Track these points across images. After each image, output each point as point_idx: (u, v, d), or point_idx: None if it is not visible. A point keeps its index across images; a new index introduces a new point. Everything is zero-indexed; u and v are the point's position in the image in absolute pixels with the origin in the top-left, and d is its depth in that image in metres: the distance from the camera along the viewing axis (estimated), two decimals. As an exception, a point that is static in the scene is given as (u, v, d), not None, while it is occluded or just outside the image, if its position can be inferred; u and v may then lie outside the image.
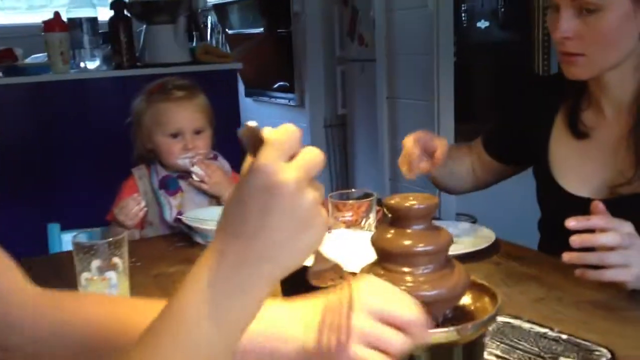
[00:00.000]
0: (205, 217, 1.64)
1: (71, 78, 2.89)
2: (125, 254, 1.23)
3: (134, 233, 1.84)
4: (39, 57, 3.10)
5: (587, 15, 1.30)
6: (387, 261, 0.81)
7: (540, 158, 1.51)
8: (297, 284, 0.70)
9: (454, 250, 1.32)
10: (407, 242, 0.80)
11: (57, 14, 2.86)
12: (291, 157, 0.60)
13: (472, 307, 0.85)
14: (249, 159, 0.60)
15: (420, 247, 0.79)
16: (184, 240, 1.68)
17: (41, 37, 2.86)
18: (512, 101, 1.68)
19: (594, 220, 1.10)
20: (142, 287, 1.34)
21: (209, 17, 4.59)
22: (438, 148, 1.47)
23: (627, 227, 1.10)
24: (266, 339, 0.73)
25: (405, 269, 0.79)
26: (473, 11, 3.38)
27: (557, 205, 1.47)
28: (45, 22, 2.84)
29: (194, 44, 3.60)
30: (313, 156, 0.61)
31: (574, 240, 1.07)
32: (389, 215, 0.83)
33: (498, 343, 1.00)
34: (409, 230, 0.80)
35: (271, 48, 4.22)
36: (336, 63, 3.82)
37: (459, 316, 0.83)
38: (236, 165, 1.59)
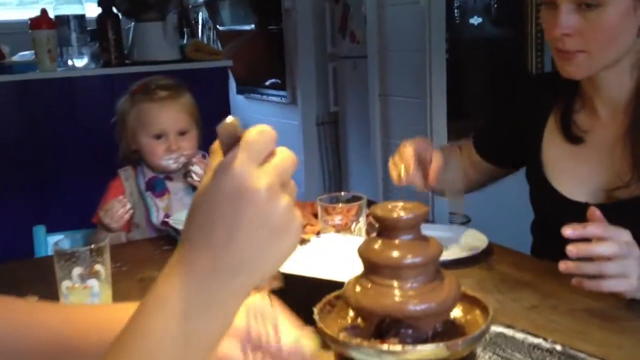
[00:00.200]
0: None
1: (59, 76, 2.85)
2: (107, 261, 1.20)
3: (120, 236, 1.81)
4: (26, 55, 3.06)
5: (587, 10, 1.26)
6: (374, 273, 0.78)
7: (533, 159, 1.48)
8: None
9: (445, 255, 1.30)
10: (395, 254, 0.77)
11: (44, 11, 2.82)
12: (264, 159, 0.56)
13: (463, 320, 0.82)
14: (216, 158, 0.56)
15: (409, 259, 0.76)
16: (170, 244, 1.64)
17: (29, 35, 2.82)
18: (504, 100, 1.65)
19: (590, 229, 1.07)
20: (126, 292, 1.31)
21: (200, 14, 4.56)
22: (433, 162, 1.43)
23: (625, 235, 1.07)
24: None
25: (394, 283, 0.76)
26: (466, 7, 3.35)
27: (551, 207, 1.44)
28: (32, 20, 2.81)
29: (185, 40, 3.57)
30: (286, 158, 0.57)
31: (571, 250, 1.04)
32: (376, 226, 0.80)
33: (491, 354, 0.97)
34: (396, 241, 0.77)
35: (262, 45, 4.20)
36: (328, 60, 3.79)
37: (450, 330, 0.80)
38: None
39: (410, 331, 0.77)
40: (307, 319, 0.78)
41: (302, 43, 3.81)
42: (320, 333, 0.77)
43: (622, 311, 1.12)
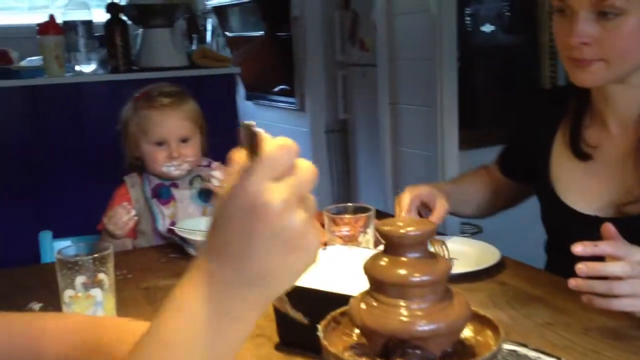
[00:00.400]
0: (198, 228, 1.58)
1: (66, 82, 2.85)
2: (111, 270, 1.18)
3: (127, 243, 1.80)
4: (34, 60, 3.05)
5: (606, 19, 1.22)
6: (380, 292, 0.75)
7: (542, 174, 1.45)
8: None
9: (456, 269, 1.27)
10: (402, 272, 0.73)
11: (51, 17, 2.81)
12: (283, 173, 0.57)
13: (474, 341, 0.79)
14: (235, 165, 0.57)
15: (416, 278, 0.73)
16: (177, 252, 1.62)
17: (37, 40, 2.81)
18: (518, 116, 1.63)
19: (602, 247, 1.04)
20: (131, 300, 1.30)
21: (209, 20, 4.55)
22: (437, 209, 1.42)
23: (638, 254, 1.04)
24: None
25: (401, 302, 0.73)
26: (477, 15, 3.31)
27: (562, 223, 1.41)
28: (40, 25, 2.80)
29: (194, 46, 3.55)
30: (305, 172, 0.57)
31: (581, 269, 1.01)
32: (383, 242, 0.77)
33: (502, 374, 0.94)
34: (403, 259, 0.74)
35: (271, 51, 4.17)
36: (337, 67, 3.76)
37: (460, 351, 0.77)
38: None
39: (418, 351, 0.73)
40: (311, 333, 0.77)
41: (310, 50, 3.79)
42: (324, 351, 0.75)
43: (636, 331, 1.09)
